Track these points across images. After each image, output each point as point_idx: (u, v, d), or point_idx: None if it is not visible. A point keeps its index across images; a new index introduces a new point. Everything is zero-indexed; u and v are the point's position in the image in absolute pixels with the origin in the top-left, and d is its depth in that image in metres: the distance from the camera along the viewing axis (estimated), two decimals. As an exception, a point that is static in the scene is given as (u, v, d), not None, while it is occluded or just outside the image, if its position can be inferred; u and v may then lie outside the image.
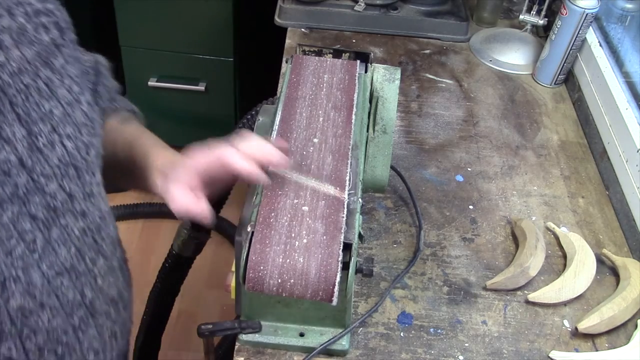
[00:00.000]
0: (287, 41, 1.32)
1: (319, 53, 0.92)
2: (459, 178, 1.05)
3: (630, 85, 1.10)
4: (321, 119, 0.79)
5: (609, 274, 0.92)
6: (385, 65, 0.87)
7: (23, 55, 0.50)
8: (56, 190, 0.53)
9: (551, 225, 0.97)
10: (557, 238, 0.96)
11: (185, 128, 2.09)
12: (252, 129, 0.82)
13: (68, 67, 0.56)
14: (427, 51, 1.34)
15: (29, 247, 0.50)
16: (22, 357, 0.52)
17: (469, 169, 1.07)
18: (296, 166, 0.72)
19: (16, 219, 0.49)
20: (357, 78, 0.84)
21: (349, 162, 0.74)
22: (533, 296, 0.86)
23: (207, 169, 0.68)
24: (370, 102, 0.85)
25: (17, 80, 0.49)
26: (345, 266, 0.66)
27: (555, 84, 1.27)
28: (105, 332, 0.63)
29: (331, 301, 0.65)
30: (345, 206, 0.69)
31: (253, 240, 0.65)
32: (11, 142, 0.48)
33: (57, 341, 0.55)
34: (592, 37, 1.22)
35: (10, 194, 0.48)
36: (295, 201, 0.69)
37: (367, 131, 0.83)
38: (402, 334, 0.81)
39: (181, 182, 0.67)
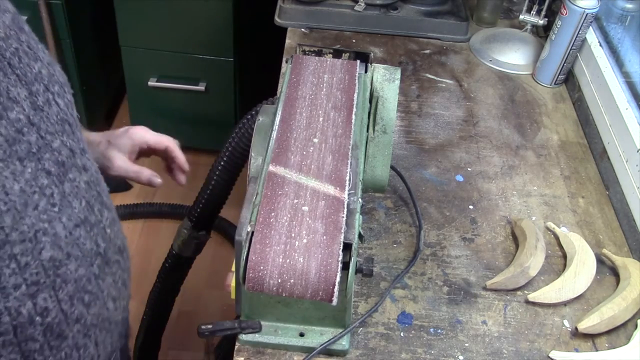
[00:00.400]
0: (287, 41, 1.32)
1: (319, 53, 0.92)
2: (459, 178, 1.05)
3: (630, 85, 1.10)
4: (321, 119, 0.78)
5: (609, 274, 0.92)
6: (385, 65, 0.87)
7: (4, 22, 0.52)
8: (60, 147, 0.55)
9: (551, 225, 0.97)
10: (557, 238, 0.96)
11: (185, 128, 2.09)
12: (252, 129, 0.82)
13: (33, 33, 0.58)
14: (427, 51, 1.34)
15: (49, 201, 0.53)
16: (57, 306, 0.54)
17: (469, 169, 1.07)
18: (296, 166, 0.72)
19: (36, 175, 0.51)
20: (357, 78, 0.84)
21: (349, 162, 0.74)
22: (533, 296, 0.86)
23: (151, 148, 0.84)
24: (370, 102, 0.85)
25: (8, 44, 0.51)
26: (345, 266, 0.66)
27: (555, 84, 1.27)
28: (119, 280, 0.65)
29: (331, 301, 0.65)
30: (345, 206, 0.69)
31: (253, 240, 0.65)
32: (19, 102, 0.51)
33: (83, 290, 0.57)
34: (592, 37, 1.22)
35: (26, 151, 0.51)
36: (295, 201, 0.69)
37: (367, 131, 0.83)
38: (402, 334, 0.81)
39: (124, 150, 0.82)
